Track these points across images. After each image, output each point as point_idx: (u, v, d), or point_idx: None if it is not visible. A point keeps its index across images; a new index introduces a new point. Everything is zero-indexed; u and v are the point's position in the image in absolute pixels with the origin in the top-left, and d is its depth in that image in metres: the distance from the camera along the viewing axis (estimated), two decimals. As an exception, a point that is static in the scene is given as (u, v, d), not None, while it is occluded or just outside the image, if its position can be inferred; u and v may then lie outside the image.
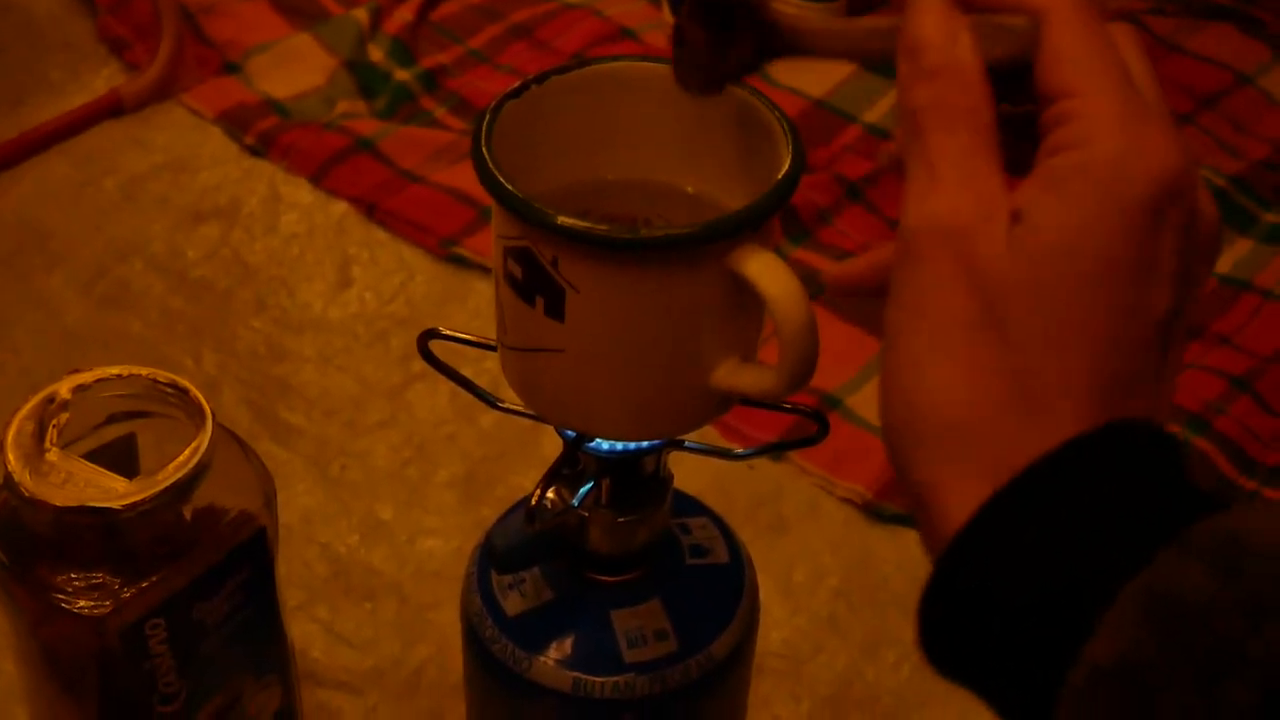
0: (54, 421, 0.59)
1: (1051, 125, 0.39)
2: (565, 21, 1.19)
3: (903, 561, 0.83)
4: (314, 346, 0.92)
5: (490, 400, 0.61)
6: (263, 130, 1.06)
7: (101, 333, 0.92)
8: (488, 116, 0.52)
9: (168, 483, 0.57)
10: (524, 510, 0.57)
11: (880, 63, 0.46)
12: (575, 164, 0.56)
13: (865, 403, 0.91)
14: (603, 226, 0.48)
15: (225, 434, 0.62)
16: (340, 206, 1.02)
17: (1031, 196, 0.38)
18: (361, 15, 1.15)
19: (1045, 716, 0.36)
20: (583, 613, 0.60)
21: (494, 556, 0.60)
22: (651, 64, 0.55)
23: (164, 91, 1.08)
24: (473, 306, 0.96)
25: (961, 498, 0.38)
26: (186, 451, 0.58)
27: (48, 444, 0.58)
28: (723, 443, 0.86)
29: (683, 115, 0.56)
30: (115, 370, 0.61)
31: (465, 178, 1.04)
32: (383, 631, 0.78)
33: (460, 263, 0.98)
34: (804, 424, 0.61)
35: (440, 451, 0.87)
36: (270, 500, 0.63)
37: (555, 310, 0.50)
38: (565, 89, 0.55)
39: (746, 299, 0.50)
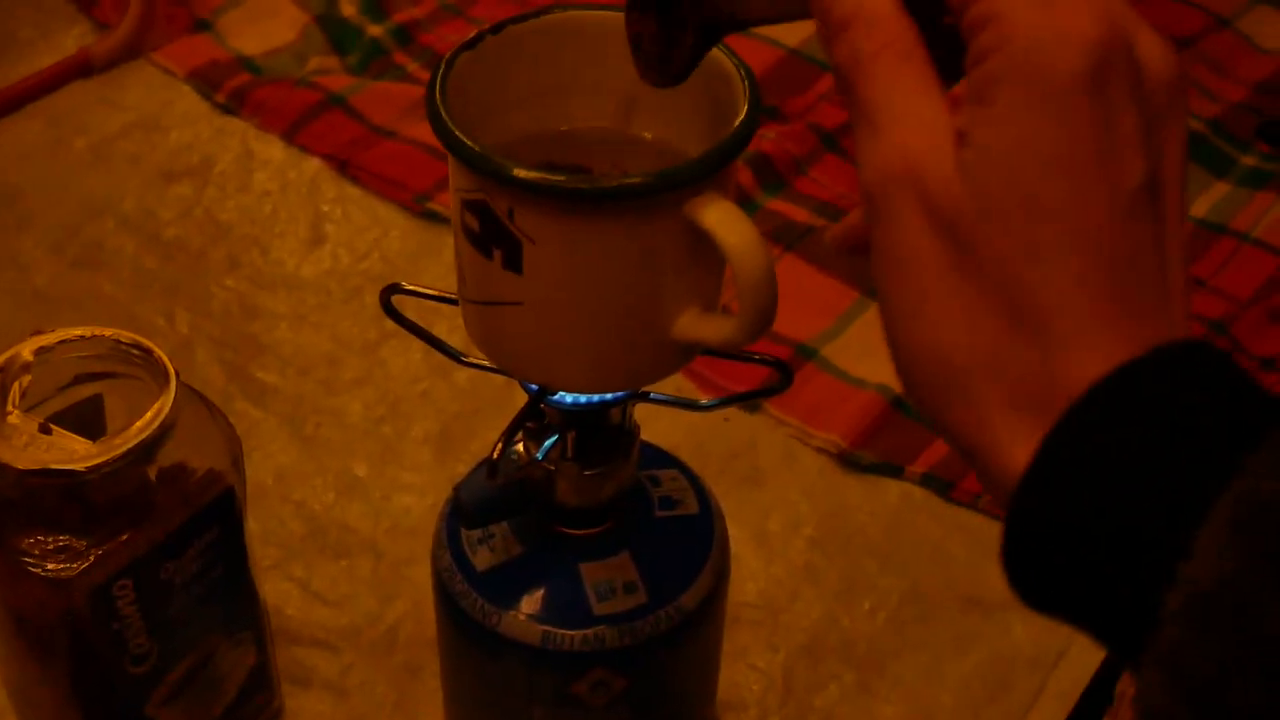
0: (16, 384, 0.58)
1: (970, 34, 0.38)
2: (539, -27, 1.18)
3: (877, 510, 0.83)
4: (287, 304, 0.92)
5: (455, 355, 0.61)
6: (234, 88, 1.05)
7: (73, 293, 0.91)
8: (442, 68, 0.51)
9: (131, 444, 0.57)
10: (486, 465, 0.57)
11: None
12: (533, 114, 0.56)
13: (841, 352, 0.91)
14: (558, 177, 0.47)
15: (191, 394, 0.62)
16: (313, 163, 1.01)
17: (969, 113, 0.38)
18: (333, -30, 1.14)
19: (1146, 640, 0.35)
20: (552, 566, 0.60)
21: (461, 512, 0.60)
22: (608, 12, 0.55)
23: (133, 50, 1.07)
24: (447, 261, 0.95)
25: (1012, 433, 0.37)
26: (150, 412, 0.57)
27: (9, 406, 0.58)
28: (696, 395, 0.86)
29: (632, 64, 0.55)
30: (78, 331, 0.61)
31: (438, 132, 1.03)
32: (358, 588, 0.78)
33: (434, 218, 0.97)
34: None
35: (415, 408, 0.86)
36: (238, 460, 0.63)
37: (513, 263, 0.50)
38: (521, 38, 0.54)
39: (705, 248, 0.50)
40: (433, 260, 0.95)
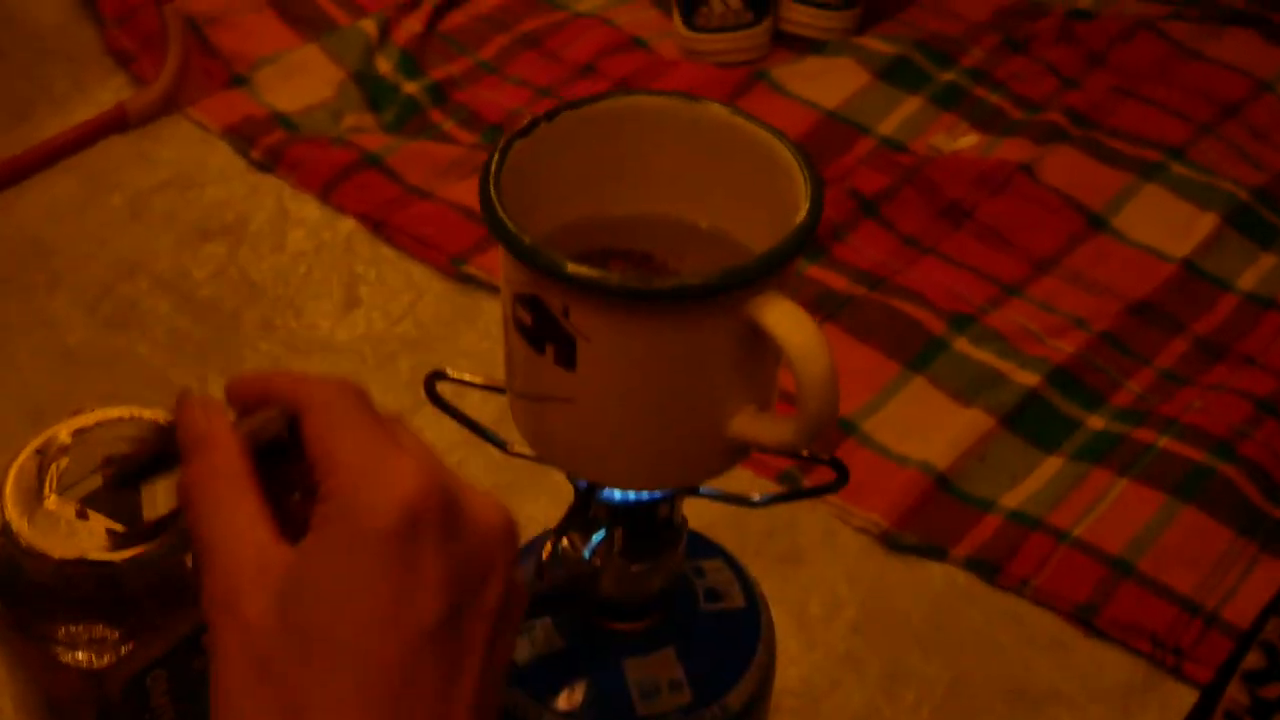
0: (54, 466, 0.57)
1: (318, 483, 0.43)
2: (575, 31, 1.18)
3: (920, 594, 0.81)
4: (321, 369, 0.90)
5: (499, 444, 0.60)
6: (269, 145, 1.04)
7: (105, 354, 0.90)
8: (495, 158, 0.50)
9: (169, 533, 0.55)
10: (533, 562, 0.55)
11: None
12: (587, 199, 0.55)
13: (883, 427, 0.89)
14: (615, 276, 0.46)
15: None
16: (348, 223, 1.00)
17: (301, 545, 0.42)
18: (369, 26, 1.14)
19: None
20: (594, 662, 0.59)
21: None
22: (664, 98, 0.54)
23: (170, 105, 1.06)
24: (482, 327, 0.94)
25: None
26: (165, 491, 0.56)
27: (46, 490, 0.56)
28: (743, 472, 0.85)
29: (696, 149, 0.54)
30: (118, 412, 0.60)
31: (474, 193, 1.01)
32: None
33: (470, 281, 0.96)
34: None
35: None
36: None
37: (566, 359, 0.49)
38: (577, 124, 0.53)
39: (764, 346, 0.49)
40: (468, 326, 0.94)
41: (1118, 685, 0.77)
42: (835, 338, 0.94)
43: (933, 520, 0.84)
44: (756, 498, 0.61)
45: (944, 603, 0.81)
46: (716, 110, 0.53)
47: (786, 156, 0.51)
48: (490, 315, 0.94)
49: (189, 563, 0.58)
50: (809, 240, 0.48)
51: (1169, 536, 0.83)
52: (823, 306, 0.96)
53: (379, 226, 1.00)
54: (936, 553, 0.83)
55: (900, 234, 1.01)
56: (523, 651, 0.59)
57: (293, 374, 0.48)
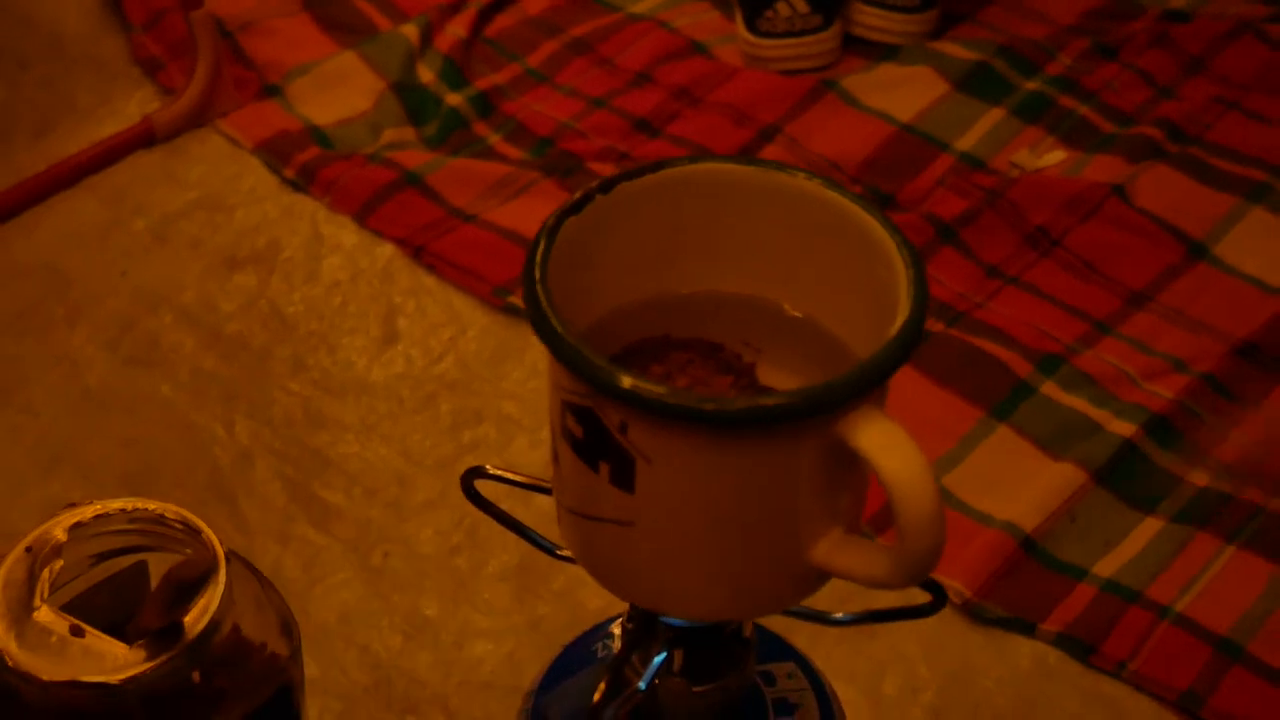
0: (46, 571, 0.51)
1: None
2: (629, 35, 1.10)
3: (1005, 675, 0.74)
4: (355, 413, 0.84)
5: (550, 549, 0.53)
6: (304, 163, 0.98)
7: (125, 395, 0.84)
8: (543, 242, 0.43)
9: (173, 650, 0.49)
10: (582, 703, 0.48)
11: None
12: (647, 277, 0.48)
13: (963, 482, 0.82)
14: (685, 394, 0.39)
15: (244, 570, 0.54)
16: (386, 249, 0.93)
17: None
18: (411, 31, 1.07)
19: None
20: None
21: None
22: (739, 166, 0.47)
23: (199, 118, 1.00)
24: (529, 363, 0.88)
25: None
26: (195, 610, 0.50)
27: (37, 600, 0.50)
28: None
29: (778, 223, 0.47)
30: (118, 505, 0.53)
31: (521, 216, 0.95)
32: (427, 753, 0.70)
33: (516, 313, 0.89)
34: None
35: (492, 536, 0.78)
36: (293, 640, 0.55)
37: (623, 480, 0.42)
38: (635, 196, 0.46)
39: (852, 463, 0.42)
40: (514, 364, 0.87)
41: (1227, 784, 0.70)
42: (910, 380, 0.87)
43: (1019, 589, 0.77)
44: (839, 615, 0.54)
45: (1032, 685, 0.74)
46: (804, 183, 0.46)
47: (885, 239, 0.44)
48: (540, 350, 0.87)
49: (196, 678, 0.51)
50: (915, 346, 0.41)
51: (1280, 613, 0.76)
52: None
53: (419, 252, 0.93)
54: (1024, 627, 0.76)
55: (981, 262, 0.94)
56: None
57: None
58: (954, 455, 0.83)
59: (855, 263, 0.44)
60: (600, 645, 0.57)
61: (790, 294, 0.47)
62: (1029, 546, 0.78)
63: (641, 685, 0.49)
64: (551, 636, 0.73)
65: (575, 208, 0.45)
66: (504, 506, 0.56)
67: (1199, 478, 0.82)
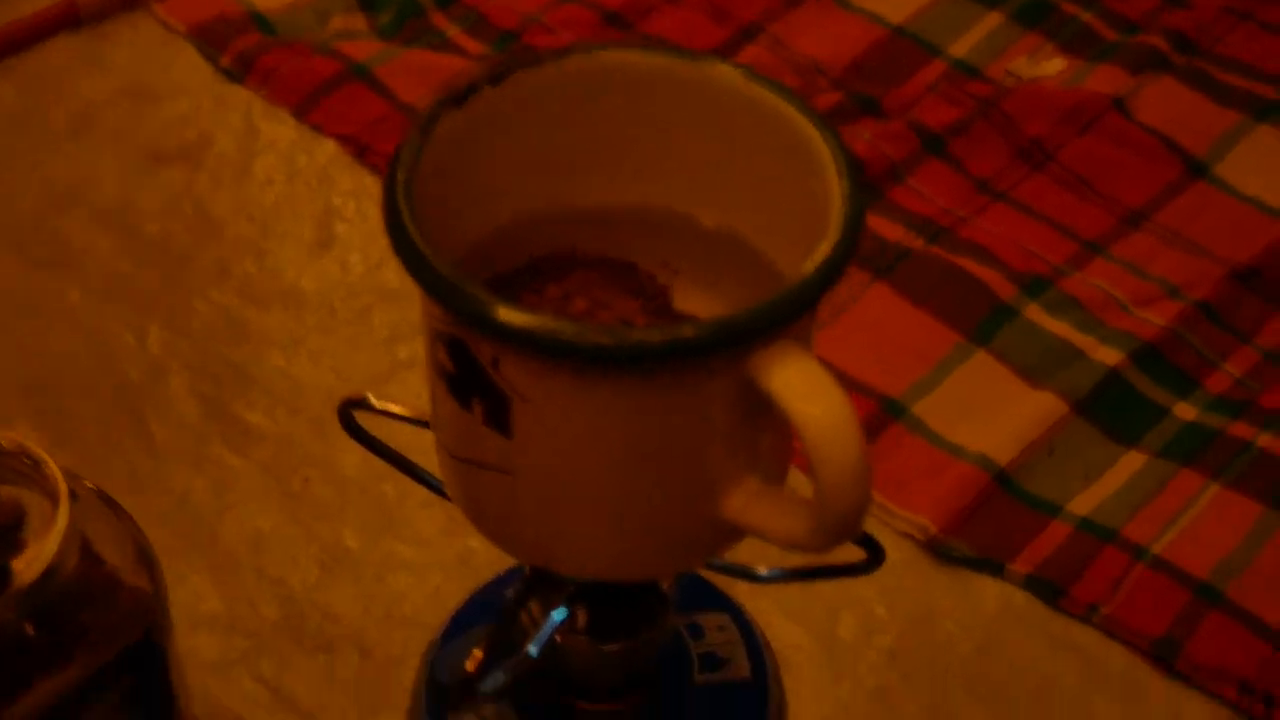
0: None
1: None
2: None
3: (970, 619, 0.68)
4: (283, 325, 0.78)
5: (436, 487, 0.47)
6: (241, 50, 0.91)
7: (32, 299, 0.78)
8: (413, 140, 0.37)
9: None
10: (477, 644, 0.43)
11: None
12: (547, 186, 0.42)
13: (936, 409, 0.76)
14: (566, 325, 0.33)
15: (99, 505, 0.48)
16: (327, 147, 0.87)
17: None
18: (365, -89, 0.99)
19: None
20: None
21: (440, 695, 0.46)
22: (652, 55, 0.40)
23: None
24: (474, 274, 0.81)
25: None
26: (25, 556, 0.44)
27: None
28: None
29: (699, 123, 0.41)
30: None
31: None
32: (338, 694, 0.65)
33: (462, 219, 0.83)
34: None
35: (424, 463, 0.72)
36: (160, 588, 0.49)
37: (499, 422, 0.36)
38: (533, 90, 0.40)
39: (770, 405, 0.36)
40: (456, 273, 0.81)
41: (1200, 743, 0.65)
42: (885, 300, 0.80)
43: (989, 527, 0.71)
44: (763, 571, 0.48)
45: (998, 631, 0.68)
46: (724, 72, 0.39)
47: (816, 143, 0.38)
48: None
49: (30, 630, 0.46)
50: (840, 274, 0.35)
51: (1265, 557, 0.70)
52: (871, 262, 0.82)
53: (363, 152, 0.87)
54: (992, 567, 0.70)
55: (970, 175, 0.87)
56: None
57: None
58: (928, 381, 0.77)
59: (784, 169, 0.38)
60: (513, 589, 0.52)
61: (714, 206, 0.41)
62: (1002, 480, 0.73)
63: (532, 650, 0.43)
64: (480, 571, 0.67)
65: (457, 99, 0.38)
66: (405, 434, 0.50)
67: (1186, 411, 0.76)
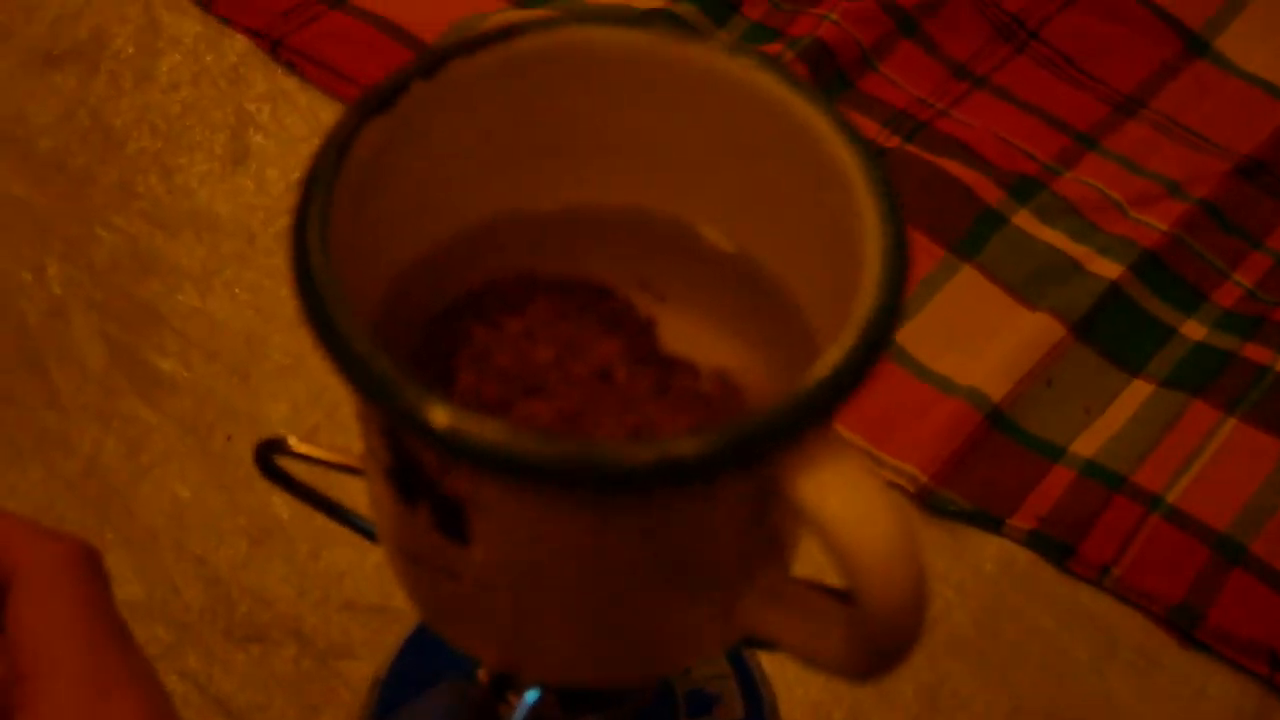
0: None
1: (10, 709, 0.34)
2: None
3: (968, 584, 0.62)
4: (195, 254, 0.70)
5: (368, 533, 0.40)
6: (137, -69, 0.80)
7: (-89, 233, 0.69)
8: (324, 164, 0.29)
9: None
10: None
11: None
12: (499, 190, 0.34)
13: (921, 336, 0.69)
14: (531, 443, 0.25)
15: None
16: (237, 43, 0.77)
17: None
18: None
19: None
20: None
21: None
22: (625, 31, 0.32)
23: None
24: (408, 187, 0.73)
25: None
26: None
27: None
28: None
29: (679, 114, 0.33)
30: None
31: (404, 1, 0.79)
32: (274, 692, 0.58)
33: (393, 125, 0.74)
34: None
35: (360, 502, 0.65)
36: None
37: (453, 529, 0.29)
38: (473, 81, 0.32)
39: (785, 506, 0.28)
40: (388, 190, 0.72)
41: (1221, 717, 0.59)
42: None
43: (984, 473, 0.65)
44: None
45: (999, 598, 0.62)
46: (720, 60, 0.31)
47: (839, 151, 0.30)
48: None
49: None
50: (889, 340, 0.27)
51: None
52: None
53: (276, 47, 0.77)
54: (990, 521, 0.64)
55: (946, 58, 0.79)
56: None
57: (8, 520, 0.36)
58: (911, 303, 0.70)
59: (794, 178, 0.30)
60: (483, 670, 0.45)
61: (706, 212, 0.33)
62: (996, 419, 0.66)
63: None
64: (426, 542, 0.60)
65: (381, 103, 0.30)
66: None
67: (1195, 330, 0.70)
